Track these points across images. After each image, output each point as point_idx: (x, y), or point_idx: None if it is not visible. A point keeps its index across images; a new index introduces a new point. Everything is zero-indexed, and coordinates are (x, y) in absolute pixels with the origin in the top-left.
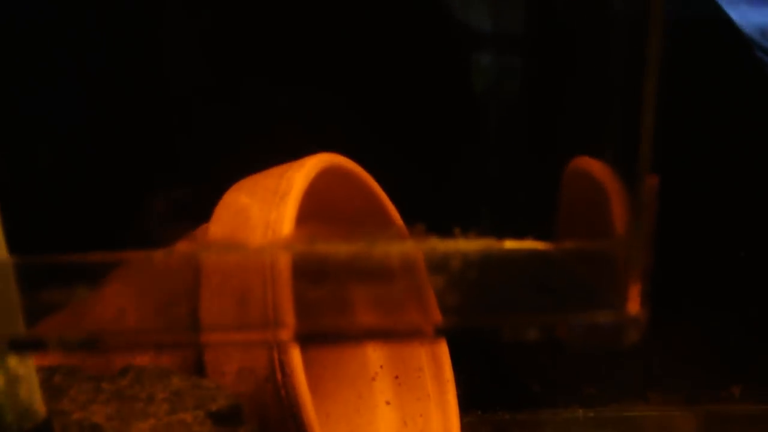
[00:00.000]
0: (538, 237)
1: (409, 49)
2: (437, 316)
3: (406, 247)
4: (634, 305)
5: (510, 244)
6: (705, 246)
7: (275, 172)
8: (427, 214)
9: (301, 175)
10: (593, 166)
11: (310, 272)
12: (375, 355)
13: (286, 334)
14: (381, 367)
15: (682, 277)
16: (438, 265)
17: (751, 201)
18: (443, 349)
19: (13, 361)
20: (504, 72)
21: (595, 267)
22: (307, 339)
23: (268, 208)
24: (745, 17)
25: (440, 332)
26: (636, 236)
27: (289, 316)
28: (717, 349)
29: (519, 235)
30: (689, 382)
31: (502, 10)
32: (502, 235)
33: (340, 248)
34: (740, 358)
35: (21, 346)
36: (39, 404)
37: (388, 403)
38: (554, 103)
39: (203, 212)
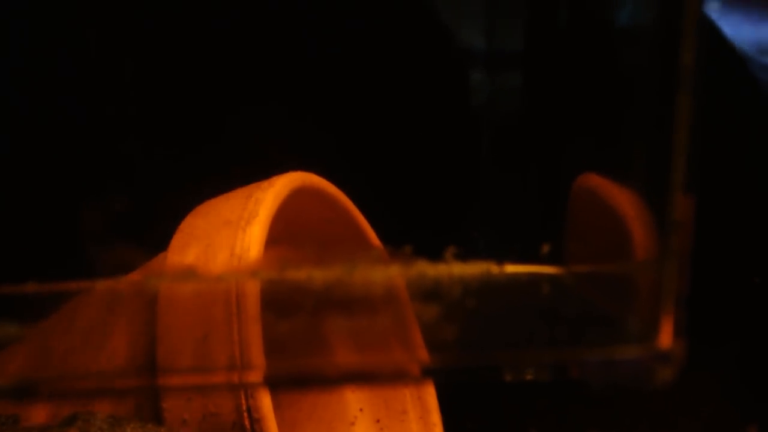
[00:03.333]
0: (544, 260)
1: (403, 60)
2: (423, 354)
3: (390, 273)
4: (666, 338)
5: (512, 268)
6: (711, 272)
7: (241, 193)
8: (417, 237)
9: (269, 196)
10: (602, 185)
11: (281, 304)
12: (354, 396)
13: (254, 376)
14: (361, 410)
15: (689, 305)
16: (427, 292)
17: (759, 220)
18: (430, 390)
19: None
20: (503, 86)
21: (615, 294)
22: (279, 383)
23: (234, 234)
24: (739, 31)
25: (428, 373)
26: (667, 259)
27: (257, 356)
28: (730, 383)
29: (522, 258)
30: (700, 422)
31: (500, 22)
32: (502, 258)
33: (315, 275)
34: (757, 393)
35: None
36: None
37: None
38: (565, 119)
39: (160, 241)
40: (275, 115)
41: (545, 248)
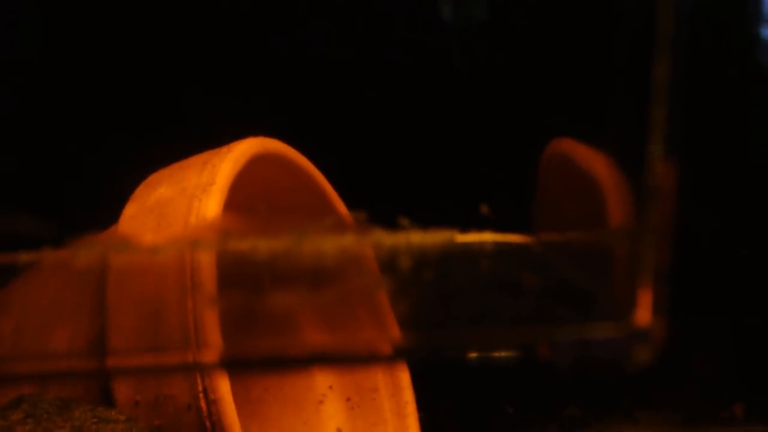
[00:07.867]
0: (512, 229)
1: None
2: (394, 330)
3: (344, 242)
4: (643, 315)
5: (477, 237)
6: (698, 243)
7: (197, 160)
8: (378, 205)
9: (227, 162)
10: (576, 150)
11: (240, 277)
12: (323, 374)
13: (210, 355)
14: (330, 387)
15: (672, 278)
16: (384, 263)
17: (754, 197)
18: (402, 367)
19: None
20: (474, 51)
21: (588, 266)
22: (237, 366)
23: (189, 203)
24: None
25: (401, 353)
26: (646, 229)
27: (213, 334)
28: (715, 360)
29: (488, 226)
30: (684, 400)
31: None
32: (466, 226)
33: (259, 245)
34: (743, 371)
35: None
36: None
37: (339, 429)
38: (534, 81)
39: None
40: (245, 84)
41: (484, 208)
